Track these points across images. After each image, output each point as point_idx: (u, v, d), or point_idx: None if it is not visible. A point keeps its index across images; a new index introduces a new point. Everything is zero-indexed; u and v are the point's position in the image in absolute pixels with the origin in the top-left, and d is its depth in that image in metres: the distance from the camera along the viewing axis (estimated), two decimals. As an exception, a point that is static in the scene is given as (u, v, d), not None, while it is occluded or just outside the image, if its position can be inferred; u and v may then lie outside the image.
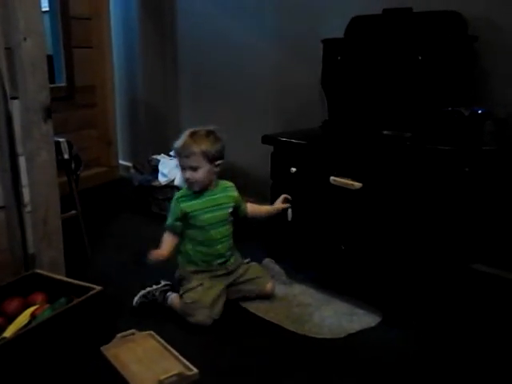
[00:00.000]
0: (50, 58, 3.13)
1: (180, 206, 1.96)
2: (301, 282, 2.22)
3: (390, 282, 1.88)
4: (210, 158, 1.92)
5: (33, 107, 1.86)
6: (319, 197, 2.08)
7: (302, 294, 2.14)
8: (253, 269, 2.12)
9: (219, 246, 2.00)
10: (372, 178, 1.86)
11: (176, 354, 1.67)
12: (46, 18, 3.22)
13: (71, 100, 3.45)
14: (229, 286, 2.04)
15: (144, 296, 2.00)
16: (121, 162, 3.91)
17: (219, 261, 2.01)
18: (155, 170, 3.05)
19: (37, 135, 1.88)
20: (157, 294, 2.01)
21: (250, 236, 2.68)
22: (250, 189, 3.07)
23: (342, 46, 2.31)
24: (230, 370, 1.66)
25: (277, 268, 2.29)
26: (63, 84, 3.39)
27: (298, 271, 2.28)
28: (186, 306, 1.91)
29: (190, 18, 3.24)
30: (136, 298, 1.99)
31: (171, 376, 1.55)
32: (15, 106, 1.86)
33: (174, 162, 3.05)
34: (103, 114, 3.71)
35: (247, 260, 2.17)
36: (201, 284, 1.95)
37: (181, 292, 1.97)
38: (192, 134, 1.95)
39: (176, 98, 3.46)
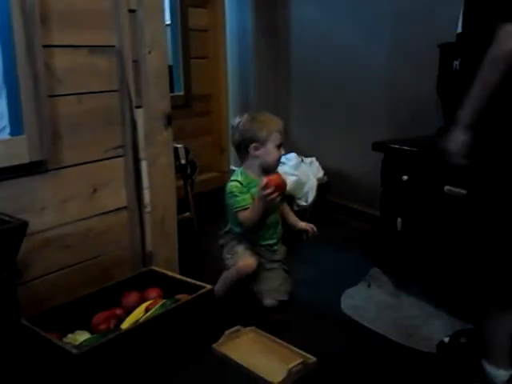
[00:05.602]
0: (169, 69, 3.33)
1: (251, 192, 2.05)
2: (409, 293, 2.16)
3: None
4: None
5: (155, 115, 1.99)
6: (432, 206, 2.01)
7: (410, 305, 2.08)
8: (276, 273, 2.11)
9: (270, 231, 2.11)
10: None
11: (288, 345, 1.73)
12: (168, 30, 3.42)
13: (188, 108, 3.62)
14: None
15: None
16: (232, 167, 4.04)
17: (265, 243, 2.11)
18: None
19: (158, 141, 2.02)
20: None
21: (357, 245, 2.65)
22: (358, 195, 3.04)
23: (459, 51, 2.21)
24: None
25: (384, 278, 2.25)
26: (181, 93, 3.58)
27: (406, 282, 2.22)
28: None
29: (303, 29, 3.28)
30: None
31: (297, 364, 1.61)
32: (139, 114, 2.00)
33: (282, 169, 3.11)
34: (217, 122, 3.86)
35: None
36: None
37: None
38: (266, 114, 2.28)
39: (287, 106, 3.51)
